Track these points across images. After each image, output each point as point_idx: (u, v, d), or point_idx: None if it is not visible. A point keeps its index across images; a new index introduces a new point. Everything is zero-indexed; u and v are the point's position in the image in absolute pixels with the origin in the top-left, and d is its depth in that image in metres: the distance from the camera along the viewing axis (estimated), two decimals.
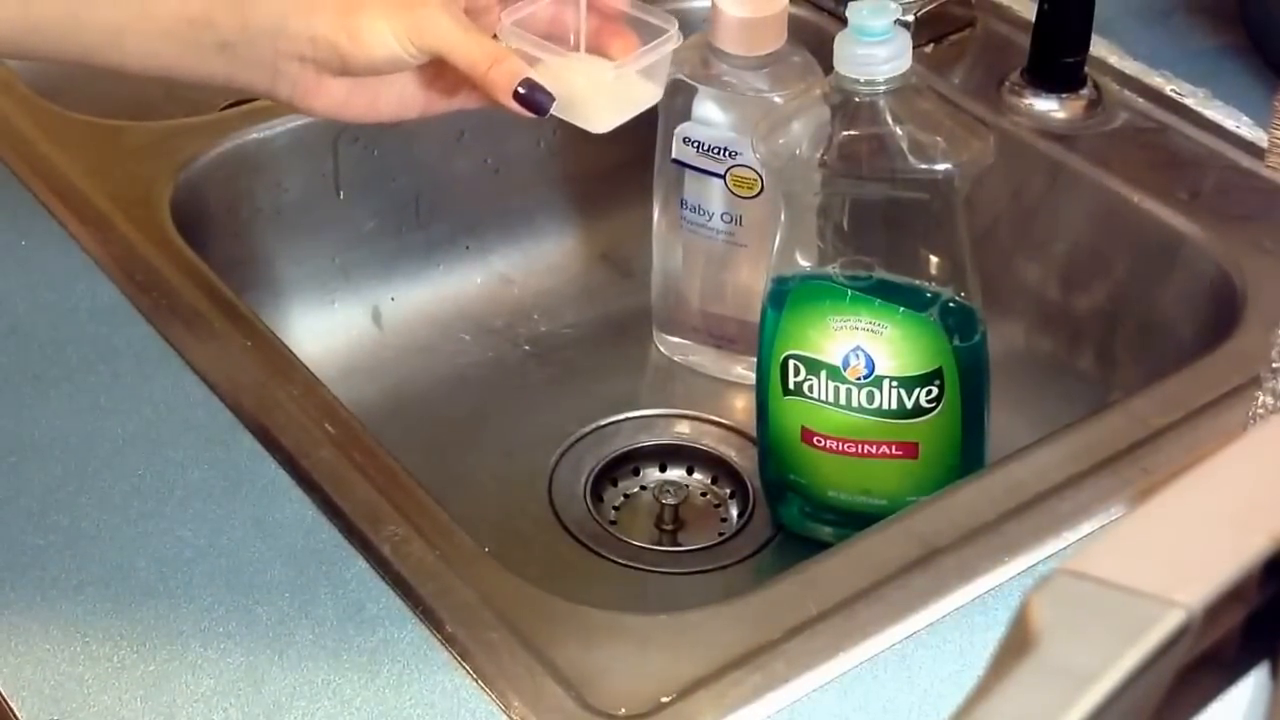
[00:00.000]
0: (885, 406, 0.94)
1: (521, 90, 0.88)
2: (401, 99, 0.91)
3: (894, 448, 0.95)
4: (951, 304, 0.93)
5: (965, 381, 0.94)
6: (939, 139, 0.90)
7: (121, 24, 0.89)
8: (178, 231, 1.05)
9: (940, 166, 0.90)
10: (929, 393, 0.93)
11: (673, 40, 0.92)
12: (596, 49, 0.93)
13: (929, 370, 0.93)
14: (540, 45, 0.91)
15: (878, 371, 0.93)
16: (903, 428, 0.94)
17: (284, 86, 0.90)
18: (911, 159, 0.90)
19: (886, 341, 0.92)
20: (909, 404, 0.94)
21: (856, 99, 0.90)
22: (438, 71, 0.90)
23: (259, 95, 0.93)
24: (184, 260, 1.03)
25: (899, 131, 0.90)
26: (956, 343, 0.93)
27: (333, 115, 0.92)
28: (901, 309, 0.92)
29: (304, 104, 0.91)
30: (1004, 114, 1.14)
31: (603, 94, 0.92)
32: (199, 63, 0.89)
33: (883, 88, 0.89)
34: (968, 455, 0.96)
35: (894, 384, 0.93)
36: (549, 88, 0.88)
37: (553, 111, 0.89)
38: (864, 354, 0.93)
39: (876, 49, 0.89)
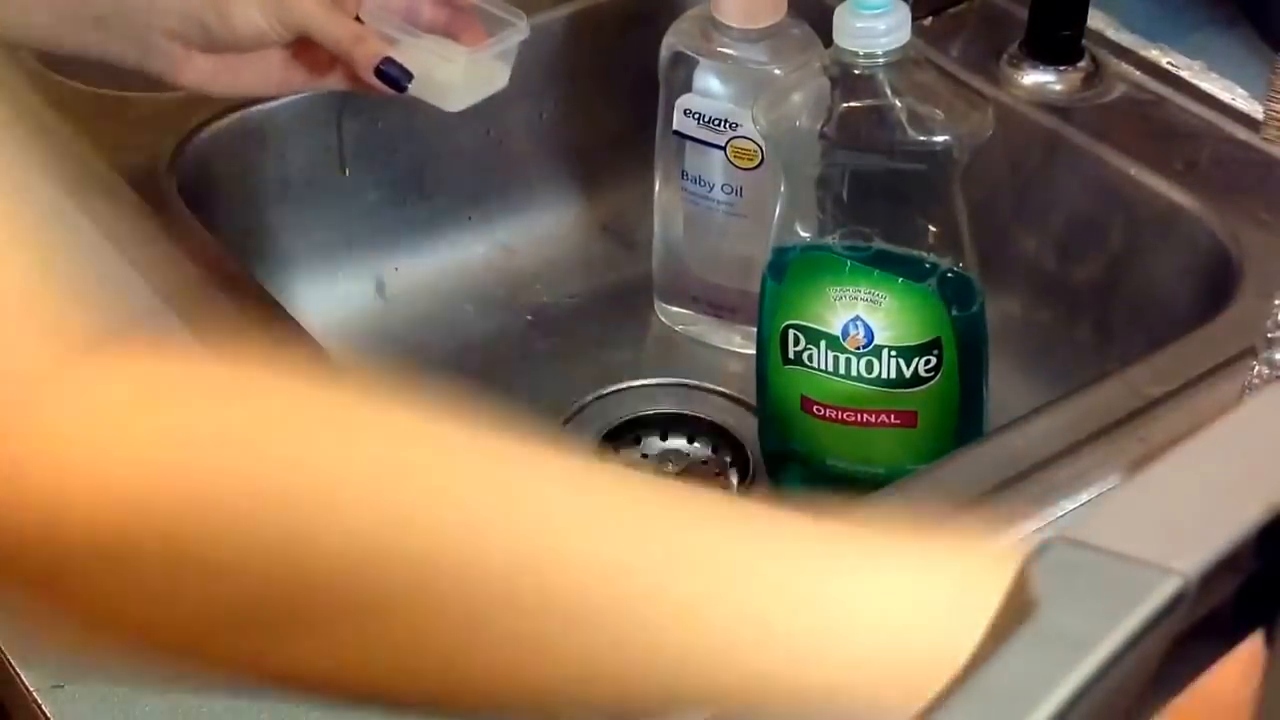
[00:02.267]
0: (884, 376, 0.94)
1: (382, 68, 0.94)
2: (265, 76, 0.98)
3: (893, 416, 0.96)
4: (950, 274, 0.93)
5: (963, 351, 0.94)
6: (937, 111, 0.91)
7: None
8: (183, 203, 1.06)
9: (939, 138, 0.91)
10: (927, 362, 0.94)
11: (521, 32, 0.99)
12: (448, 37, 0.99)
13: (927, 340, 0.94)
14: (401, 28, 0.97)
15: (877, 341, 0.93)
16: (901, 397, 0.95)
17: (154, 60, 0.96)
18: (910, 131, 0.90)
19: (885, 311, 0.93)
20: (907, 373, 0.94)
21: (856, 71, 0.91)
22: (299, 50, 0.96)
23: (131, 68, 0.98)
24: (189, 231, 1.03)
25: (898, 104, 0.91)
26: (954, 313, 0.93)
27: (199, 89, 0.98)
28: (900, 279, 0.92)
29: (172, 77, 0.98)
30: (1002, 86, 1.14)
31: (456, 76, 0.99)
32: (74, 35, 0.95)
33: (882, 60, 0.90)
34: (966, 424, 0.97)
35: (893, 353, 0.94)
36: (408, 67, 0.95)
37: (410, 90, 0.95)
38: (863, 324, 0.93)
39: (876, 22, 0.89)
